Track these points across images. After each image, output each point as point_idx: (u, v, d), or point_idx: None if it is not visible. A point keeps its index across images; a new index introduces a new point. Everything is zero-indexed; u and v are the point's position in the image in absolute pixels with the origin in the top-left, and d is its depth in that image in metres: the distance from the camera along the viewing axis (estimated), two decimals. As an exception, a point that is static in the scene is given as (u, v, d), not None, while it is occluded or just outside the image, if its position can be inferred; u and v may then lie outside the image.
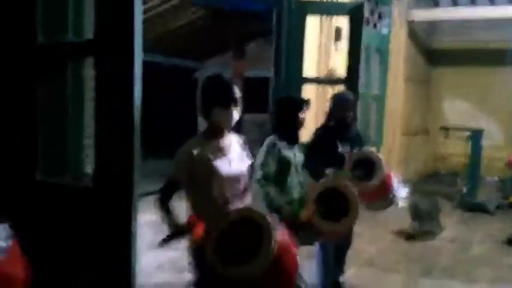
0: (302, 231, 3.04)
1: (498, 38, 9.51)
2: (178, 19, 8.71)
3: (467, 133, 7.73)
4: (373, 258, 4.95)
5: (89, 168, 2.45)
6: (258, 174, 2.99)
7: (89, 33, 2.25)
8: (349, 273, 4.22)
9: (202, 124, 2.53)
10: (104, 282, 2.21)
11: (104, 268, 2.20)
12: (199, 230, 2.26)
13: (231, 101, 2.31)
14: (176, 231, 2.30)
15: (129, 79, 2.03)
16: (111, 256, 2.19)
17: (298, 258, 2.28)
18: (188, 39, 9.91)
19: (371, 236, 5.52)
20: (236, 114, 2.36)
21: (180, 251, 4.61)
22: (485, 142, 7.87)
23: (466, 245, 5.61)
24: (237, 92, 2.35)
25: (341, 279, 4.06)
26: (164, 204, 2.30)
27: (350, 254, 4.17)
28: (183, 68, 11.75)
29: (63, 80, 2.35)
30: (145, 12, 7.24)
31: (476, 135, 7.64)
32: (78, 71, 2.38)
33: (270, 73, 4.91)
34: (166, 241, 2.33)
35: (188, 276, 3.90)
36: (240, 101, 2.36)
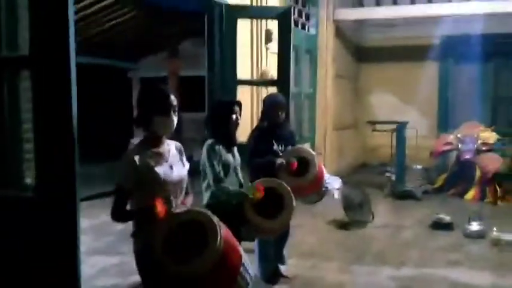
0: (243, 228, 3.24)
1: (420, 34, 10.13)
2: (111, 19, 8.59)
3: (393, 126, 8.24)
4: (311, 249, 5.22)
5: (29, 180, 2.48)
6: (208, 178, 3.18)
7: (23, 48, 2.29)
8: (291, 263, 4.43)
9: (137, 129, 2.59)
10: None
11: (50, 275, 2.25)
12: (161, 206, 2.31)
13: (170, 108, 2.42)
14: (140, 216, 2.36)
15: (65, 90, 2.10)
16: (56, 262, 2.24)
17: (242, 252, 2.44)
18: (121, 39, 9.78)
19: (310, 228, 5.79)
20: (175, 121, 2.47)
21: (123, 255, 4.69)
22: (410, 133, 8.41)
23: (396, 230, 6.02)
24: (175, 99, 2.46)
25: (282, 269, 4.28)
26: (121, 215, 2.38)
27: (291, 244, 4.40)
28: (116, 68, 11.58)
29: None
30: (77, 12, 7.09)
31: (400, 128, 8.15)
32: (13, 84, 2.40)
33: (203, 72, 5.03)
34: (136, 232, 2.41)
35: (133, 279, 4.02)
36: (176, 107, 2.47)
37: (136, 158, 2.41)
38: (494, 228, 5.55)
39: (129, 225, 2.52)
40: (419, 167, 8.52)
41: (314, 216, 6.18)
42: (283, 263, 4.35)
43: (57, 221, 2.18)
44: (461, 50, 9.91)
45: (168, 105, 2.42)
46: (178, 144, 2.65)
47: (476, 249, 5.25)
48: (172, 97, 2.45)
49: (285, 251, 4.37)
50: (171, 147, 2.58)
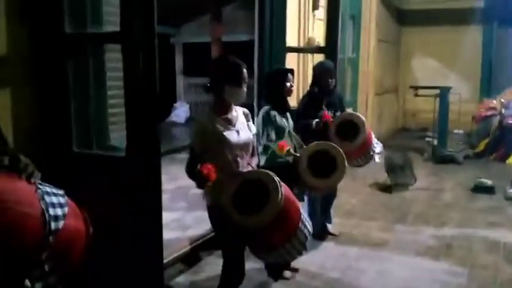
0: (296, 188, 3.51)
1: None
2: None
3: (436, 91, 8.27)
4: (354, 209, 5.49)
5: (113, 141, 2.80)
6: (263, 140, 3.42)
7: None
8: (336, 222, 4.73)
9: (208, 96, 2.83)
10: (136, 238, 2.61)
11: (137, 226, 2.59)
12: (210, 170, 2.59)
13: (242, 80, 2.66)
14: (199, 180, 2.65)
15: (151, 61, 2.39)
16: (143, 220, 2.57)
17: (301, 210, 2.72)
18: (162, 5, 9.96)
19: (351, 190, 6.04)
20: (245, 92, 2.72)
21: (180, 211, 5.08)
22: (453, 98, 8.44)
23: (437, 193, 6.21)
24: (246, 71, 2.70)
25: (329, 227, 4.58)
26: (191, 172, 2.67)
27: (335, 205, 4.68)
28: (159, 34, 11.84)
29: (87, 64, 2.67)
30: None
31: (444, 92, 8.18)
32: (100, 56, 2.70)
33: (246, 37, 5.08)
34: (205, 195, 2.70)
35: (192, 232, 4.40)
36: (247, 79, 2.71)
37: (206, 123, 2.68)
38: (536, 192, 5.68)
39: (181, 185, 2.81)
40: (460, 131, 8.58)
41: (356, 179, 6.42)
42: (329, 221, 4.64)
43: (143, 178, 2.48)
44: (506, 13, 9.68)
45: (241, 76, 2.66)
46: (246, 110, 2.90)
47: (517, 212, 5.41)
48: (245, 69, 2.68)
49: (331, 211, 4.65)
50: (238, 113, 2.82)
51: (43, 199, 1.58)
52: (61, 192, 1.68)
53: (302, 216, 2.65)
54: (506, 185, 6.00)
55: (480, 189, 6.16)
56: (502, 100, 8.44)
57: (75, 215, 1.72)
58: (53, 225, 1.57)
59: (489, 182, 6.21)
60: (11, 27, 2.44)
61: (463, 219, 5.18)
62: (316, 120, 4.03)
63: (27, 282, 1.55)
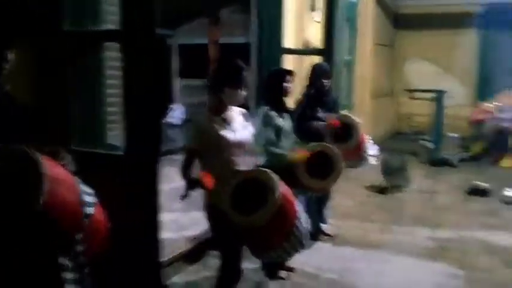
0: (295, 188, 3.52)
1: (459, 1, 10.01)
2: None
3: (431, 94, 8.30)
4: (350, 210, 5.49)
5: (111, 140, 2.80)
6: (262, 140, 3.42)
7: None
8: (332, 223, 4.72)
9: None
10: (134, 235, 2.60)
11: (135, 225, 2.58)
12: (209, 180, 2.61)
13: (241, 83, 2.68)
14: (190, 184, 2.66)
15: (151, 60, 2.39)
16: (140, 218, 2.57)
17: (297, 208, 2.72)
18: (160, 6, 9.94)
19: (348, 191, 6.05)
20: (244, 95, 2.73)
21: (177, 212, 5.06)
22: (448, 102, 8.47)
23: (432, 195, 6.23)
24: (247, 75, 2.71)
25: (324, 227, 4.59)
26: (186, 172, 2.68)
27: (331, 207, 4.68)
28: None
29: (86, 62, 2.67)
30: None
31: (439, 96, 8.22)
32: (98, 55, 2.69)
33: (243, 40, 5.13)
34: (184, 196, 2.71)
35: (189, 233, 4.39)
36: (247, 83, 2.72)
37: (204, 123, 2.69)
38: (531, 195, 5.72)
39: (177, 186, 2.84)
40: (455, 135, 8.60)
41: (351, 181, 6.42)
42: (324, 222, 4.65)
43: (141, 177, 2.48)
44: (502, 18, 9.75)
45: (240, 80, 2.68)
46: (243, 110, 2.91)
47: (512, 215, 5.43)
48: (245, 73, 2.70)
49: (327, 212, 4.65)
50: (235, 113, 2.84)
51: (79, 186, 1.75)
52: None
53: (298, 214, 2.66)
54: (501, 187, 6.03)
55: (475, 191, 6.19)
56: (498, 104, 8.49)
57: (99, 207, 1.88)
58: (87, 210, 1.73)
59: (484, 185, 6.24)
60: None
61: (459, 221, 5.20)
62: (324, 123, 4.05)
63: (64, 260, 1.67)
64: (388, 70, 10.90)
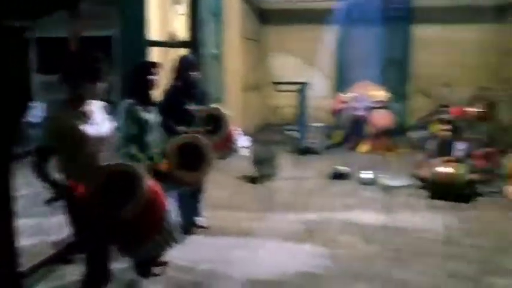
0: (166, 182, 3.46)
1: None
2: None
3: (295, 86, 8.74)
4: (223, 201, 5.57)
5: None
6: (119, 136, 3.28)
7: None
8: (205, 215, 4.73)
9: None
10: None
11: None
12: (81, 189, 2.49)
13: (98, 76, 2.56)
14: (59, 192, 2.50)
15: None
16: None
17: (166, 202, 2.69)
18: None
19: (220, 182, 6.11)
20: (101, 88, 2.61)
21: (37, 217, 4.69)
22: (311, 93, 8.98)
23: (300, 182, 6.57)
24: (103, 67, 2.59)
25: (198, 220, 4.59)
26: (41, 170, 2.48)
27: (203, 199, 4.70)
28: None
29: None
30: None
31: (302, 88, 8.68)
32: None
33: (106, 33, 4.94)
34: (51, 201, 2.52)
35: (52, 238, 4.10)
36: (103, 74, 2.61)
37: (62, 118, 2.53)
38: (383, 176, 6.34)
39: (39, 190, 2.66)
40: (319, 124, 9.16)
41: (223, 172, 6.50)
42: (199, 215, 4.65)
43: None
44: (358, 14, 10.57)
45: (97, 73, 2.56)
46: (104, 103, 2.78)
47: (369, 194, 5.95)
48: (102, 65, 2.58)
49: (200, 204, 4.66)
50: (95, 106, 2.70)
51: None
52: None
53: (168, 208, 2.64)
54: (358, 170, 6.58)
55: (337, 176, 6.66)
56: (354, 94, 9.22)
57: None
58: None
59: (344, 169, 6.74)
60: None
61: (323, 204, 5.55)
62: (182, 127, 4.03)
63: None
64: (256, 64, 11.21)
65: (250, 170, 6.61)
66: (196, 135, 3.67)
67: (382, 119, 8.73)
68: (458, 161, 5.98)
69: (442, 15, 10.10)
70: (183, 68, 4.22)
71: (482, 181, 5.88)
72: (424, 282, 3.61)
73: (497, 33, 9.87)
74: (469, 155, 6.23)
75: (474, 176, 5.73)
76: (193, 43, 4.99)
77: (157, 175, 3.14)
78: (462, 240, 4.44)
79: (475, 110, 7.84)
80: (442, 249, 4.24)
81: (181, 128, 4.02)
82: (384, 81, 10.12)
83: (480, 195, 5.73)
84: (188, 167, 3.48)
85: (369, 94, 9.08)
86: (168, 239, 2.68)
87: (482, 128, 7.63)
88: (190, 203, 4.49)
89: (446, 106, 8.26)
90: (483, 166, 6.20)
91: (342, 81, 10.98)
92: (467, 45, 10.07)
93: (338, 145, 8.97)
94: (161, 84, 4.35)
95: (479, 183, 5.82)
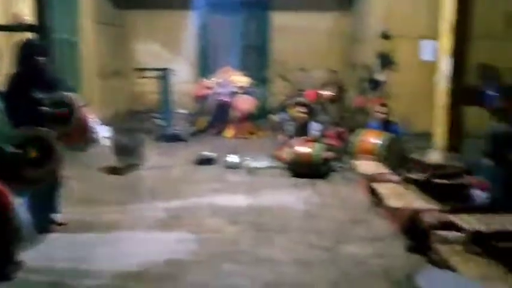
0: (16, 182, 3.16)
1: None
2: None
3: (158, 72, 8.56)
4: (84, 195, 5.25)
5: None
6: None
7: None
8: (65, 211, 4.43)
9: None
10: None
11: None
12: None
13: None
14: None
15: None
16: None
17: (11, 199, 2.45)
18: None
19: (80, 176, 5.78)
20: None
21: None
22: (174, 79, 8.86)
23: (167, 170, 6.49)
24: None
25: (56, 217, 4.28)
26: None
27: (64, 194, 4.40)
28: None
29: None
30: None
31: (164, 74, 8.54)
32: None
33: None
34: None
35: None
36: None
37: None
38: (248, 159, 6.53)
39: None
40: (184, 111, 9.11)
41: (84, 165, 6.18)
42: (56, 211, 4.34)
43: None
44: (219, 1, 10.62)
45: None
46: None
47: (235, 178, 6.09)
48: None
49: (57, 200, 4.35)
50: None
51: None
52: None
53: (12, 207, 2.42)
54: (224, 155, 6.69)
55: (203, 161, 6.70)
56: (216, 80, 9.31)
57: None
58: None
59: (210, 154, 6.81)
60: None
61: (191, 190, 5.55)
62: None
63: None
64: (117, 50, 10.73)
65: (113, 161, 6.35)
66: (40, 128, 3.38)
67: (245, 103, 8.97)
68: (314, 140, 6.39)
69: (297, 3, 10.58)
70: (27, 53, 3.86)
71: (335, 158, 6.37)
72: (286, 257, 3.80)
73: (344, 21, 10.68)
74: (323, 135, 6.68)
75: (328, 154, 6.19)
76: (40, 27, 4.58)
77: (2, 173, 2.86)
78: (320, 213, 4.76)
79: (328, 93, 8.41)
80: (303, 224, 4.50)
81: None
82: (245, 67, 10.39)
83: (333, 171, 6.21)
84: (34, 163, 3.20)
85: (232, 80, 9.25)
86: (16, 241, 2.46)
87: (333, 110, 8.26)
88: (44, 200, 4.17)
89: (302, 90, 8.74)
90: (335, 145, 6.72)
91: (205, 67, 11.04)
92: (319, 32, 10.72)
93: (203, 131, 9.02)
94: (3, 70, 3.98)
95: (333, 160, 6.29)
